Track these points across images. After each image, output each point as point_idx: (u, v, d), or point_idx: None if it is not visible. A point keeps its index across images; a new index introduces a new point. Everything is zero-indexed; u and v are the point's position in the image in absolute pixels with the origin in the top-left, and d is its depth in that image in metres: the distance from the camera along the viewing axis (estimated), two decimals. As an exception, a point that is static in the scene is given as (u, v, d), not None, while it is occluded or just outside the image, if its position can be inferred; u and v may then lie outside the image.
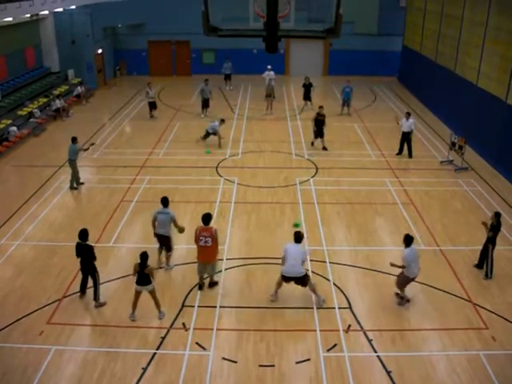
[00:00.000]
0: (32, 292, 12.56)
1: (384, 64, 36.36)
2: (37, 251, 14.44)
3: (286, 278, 11.91)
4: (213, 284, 12.79)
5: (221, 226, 15.64)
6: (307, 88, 28.25)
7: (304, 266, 11.93)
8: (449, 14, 26.91)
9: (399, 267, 11.86)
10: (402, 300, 12.23)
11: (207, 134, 22.61)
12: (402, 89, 34.35)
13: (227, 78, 33.16)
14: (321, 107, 22.85)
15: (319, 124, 22.53)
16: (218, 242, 12.60)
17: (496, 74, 21.01)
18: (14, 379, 9.94)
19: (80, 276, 12.54)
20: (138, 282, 11.38)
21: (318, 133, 22.62)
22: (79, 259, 12.13)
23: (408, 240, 11.89)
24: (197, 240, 12.31)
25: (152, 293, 11.52)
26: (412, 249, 11.87)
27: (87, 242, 12.03)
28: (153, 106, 26.99)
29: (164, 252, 13.64)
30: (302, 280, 11.90)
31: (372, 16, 35.99)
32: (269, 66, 30.13)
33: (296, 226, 13.94)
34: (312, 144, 22.93)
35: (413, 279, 12.09)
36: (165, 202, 13.42)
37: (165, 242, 13.48)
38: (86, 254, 11.96)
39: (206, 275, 12.78)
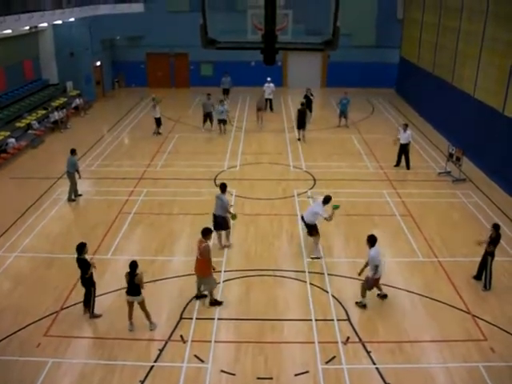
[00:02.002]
0: (29, 304, 12.50)
1: (382, 76, 36.52)
2: (34, 263, 14.40)
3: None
4: (212, 303, 12.48)
5: (219, 238, 15.66)
6: (308, 100, 28.33)
7: (319, 219, 14.22)
8: (446, 25, 27.08)
9: (374, 270, 12.08)
10: (363, 305, 12.46)
11: (220, 121, 25.60)
12: (399, 100, 34.48)
13: (225, 92, 32.99)
14: (303, 104, 25.49)
15: (301, 115, 24.65)
16: (208, 259, 12.20)
17: (493, 86, 21.10)
18: (10, 392, 9.88)
19: (78, 288, 12.50)
20: (128, 292, 11.36)
21: (300, 124, 24.58)
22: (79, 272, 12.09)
23: (373, 240, 12.16)
24: None
25: (141, 304, 11.47)
26: (377, 248, 12.13)
27: (82, 256, 11.93)
28: (159, 122, 26.35)
29: (223, 232, 15.05)
30: (309, 228, 14.36)
31: (369, 28, 36.22)
32: (268, 78, 30.35)
33: (335, 207, 14.22)
34: (299, 139, 25.12)
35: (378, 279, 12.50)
36: (222, 188, 14.98)
37: (220, 223, 14.83)
38: (81, 267, 11.90)
39: (202, 288, 12.69)
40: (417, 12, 32.25)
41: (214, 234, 13.37)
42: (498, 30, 20.73)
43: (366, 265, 12.39)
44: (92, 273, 12.00)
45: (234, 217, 14.86)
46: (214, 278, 12.61)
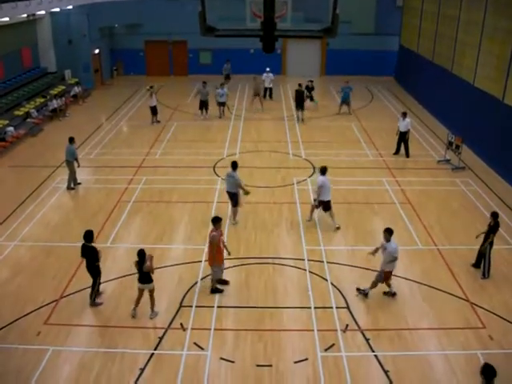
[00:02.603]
0: (29, 293, 12.53)
1: (381, 64, 36.37)
2: (33, 252, 14.41)
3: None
4: (213, 290, 12.52)
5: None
6: (309, 90, 28.40)
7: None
8: (445, 14, 26.95)
9: (392, 262, 11.99)
10: (365, 294, 12.41)
11: (220, 104, 26.42)
12: (398, 88, 34.37)
13: (227, 77, 34.23)
14: (300, 84, 26.49)
15: (299, 97, 25.91)
16: (213, 248, 12.20)
17: (492, 74, 21.04)
18: (10, 380, 9.91)
19: (77, 276, 12.51)
20: (140, 280, 11.44)
21: (298, 104, 26.01)
22: (84, 260, 12.11)
23: (391, 233, 12.02)
24: None
25: (151, 291, 11.55)
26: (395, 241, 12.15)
27: (92, 244, 12.01)
28: (155, 111, 26.22)
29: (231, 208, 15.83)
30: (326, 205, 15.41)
31: (369, 16, 36.06)
32: (267, 69, 30.29)
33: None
34: (298, 119, 26.40)
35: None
36: (233, 165, 15.64)
37: (232, 198, 15.63)
38: (89, 255, 11.95)
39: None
40: (416, 0, 32.07)
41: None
42: (498, 18, 20.63)
43: (377, 250, 12.34)
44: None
45: (247, 193, 15.58)
46: (220, 268, 12.62)
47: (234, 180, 15.40)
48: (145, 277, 11.35)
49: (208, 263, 12.61)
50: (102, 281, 12.50)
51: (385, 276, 12.17)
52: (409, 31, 34.13)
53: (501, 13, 20.41)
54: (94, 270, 12.05)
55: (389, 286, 12.46)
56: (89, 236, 11.94)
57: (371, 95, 32.42)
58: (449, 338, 11.08)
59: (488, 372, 7.77)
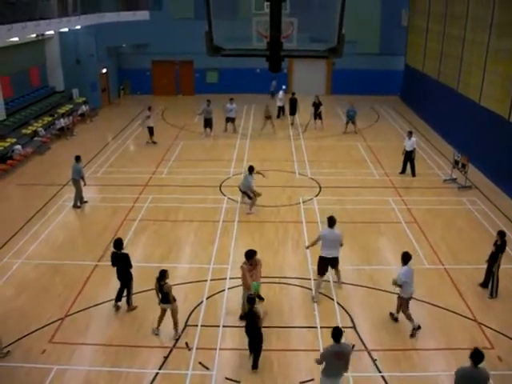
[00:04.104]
0: (34, 311, 12.51)
1: (386, 83, 36.51)
2: (39, 270, 14.41)
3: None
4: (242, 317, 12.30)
5: (224, 245, 15.65)
6: (317, 107, 28.49)
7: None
8: (450, 33, 27.10)
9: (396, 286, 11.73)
10: (413, 329, 11.79)
11: (228, 119, 27.20)
12: (404, 108, 34.46)
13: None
14: (294, 93, 29.53)
15: (292, 104, 28.80)
16: (242, 278, 12.14)
17: (498, 93, 21.08)
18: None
19: (82, 295, 12.49)
20: (162, 301, 11.44)
21: (292, 111, 28.88)
22: (115, 268, 12.38)
23: (406, 258, 11.70)
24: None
25: (173, 311, 11.52)
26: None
27: (123, 251, 12.31)
28: (151, 131, 26.00)
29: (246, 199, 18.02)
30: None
31: (374, 35, 36.30)
32: (283, 86, 32.35)
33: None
34: (291, 124, 29.25)
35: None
36: (250, 170, 17.99)
37: (245, 194, 17.94)
38: (122, 262, 12.24)
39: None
40: (421, 20, 32.29)
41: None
42: (503, 38, 20.72)
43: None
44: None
45: (258, 194, 17.86)
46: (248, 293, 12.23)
47: (247, 182, 17.69)
48: (165, 297, 11.35)
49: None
50: (108, 299, 12.51)
51: (399, 301, 11.98)
52: (414, 51, 34.30)
53: (505, 33, 20.49)
54: (127, 276, 12.35)
55: (397, 311, 12.16)
56: (119, 244, 12.31)
57: (377, 114, 32.50)
58: (456, 359, 10.94)
59: (476, 356, 8.30)
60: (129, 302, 12.51)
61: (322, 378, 9.24)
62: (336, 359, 9.00)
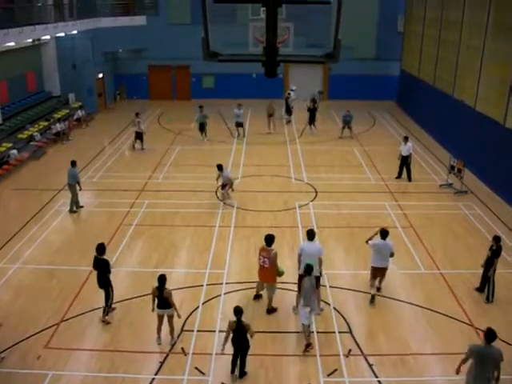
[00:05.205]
0: (30, 316, 12.46)
1: (382, 88, 36.66)
2: (35, 274, 14.37)
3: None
4: (270, 311, 12.65)
5: (220, 250, 15.64)
6: (312, 112, 28.60)
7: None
8: (446, 38, 27.21)
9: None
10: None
11: (238, 124, 27.66)
12: (400, 113, 34.57)
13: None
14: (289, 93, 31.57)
15: (286, 103, 30.75)
16: (277, 266, 12.49)
17: (493, 98, 21.16)
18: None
19: (78, 300, 12.45)
20: (159, 306, 11.35)
21: (287, 109, 30.47)
22: (96, 272, 12.29)
23: (383, 234, 12.88)
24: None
25: (170, 318, 11.46)
26: (385, 242, 12.88)
27: (103, 256, 12.19)
28: (140, 136, 25.93)
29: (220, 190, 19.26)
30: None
31: (370, 41, 36.46)
32: (294, 87, 32.68)
33: None
34: (289, 121, 30.66)
35: (375, 270, 13.03)
36: (219, 167, 19.16)
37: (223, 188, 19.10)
38: (101, 267, 12.13)
39: (261, 292, 13.08)
40: (417, 25, 32.43)
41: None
42: (498, 43, 20.81)
43: None
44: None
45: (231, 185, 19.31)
46: (276, 285, 12.79)
47: (228, 177, 19.01)
48: (164, 302, 11.27)
49: (267, 281, 12.67)
50: (103, 304, 12.46)
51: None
52: (410, 56, 34.44)
53: (501, 37, 20.58)
54: (106, 282, 12.20)
55: (371, 283, 13.25)
56: (101, 249, 12.19)
57: (373, 119, 32.58)
58: (453, 364, 10.88)
59: (489, 335, 9.11)
60: (105, 310, 12.23)
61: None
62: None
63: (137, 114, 26.37)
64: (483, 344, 9.14)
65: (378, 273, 13.12)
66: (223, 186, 19.31)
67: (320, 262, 12.41)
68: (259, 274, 12.76)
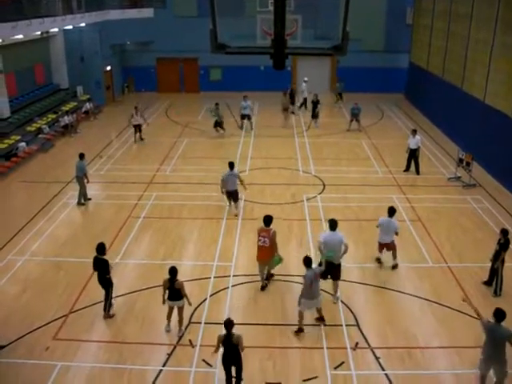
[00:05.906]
0: (38, 308, 12.54)
1: (391, 81, 36.47)
2: (43, 267, 14.45)
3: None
4: (269, 276, 13.49)
5: (228, 243, 15.65)
6: (315, 105, 28.55)
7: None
8: (455, 31, 27.02)
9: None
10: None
11: (243, 116, 27.32)
12: (408, 105, 34.39)
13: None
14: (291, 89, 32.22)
15: (291, 96, 30.88)
16: (276, 244, 13.03)
17: (503, 91, 21.00)
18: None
19: (86, 291, 12.51)
20: (170, 298, 11.39)
21: (291, 102, 30.69)
22: (96, 273, 12.25)
23: (390, 211, 14.10)
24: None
25: (180, 309, 11.52)
26: (390, 219, 14.00)
27: (103, 256, 12.14)
28: (138, 129, 25.90)
29: (233, 203, 17.63)
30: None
31: (378, 33, 36.24)
32: (305, 78, 32.35)
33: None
34: (293, 112, 30.77)
35: (380, 245, 14.27)
36: (231, 165, 17.54)
37: (234, 195, 17.46)
38: (101, 267, 12.08)
39: (267, 269, 13.38)
40: (426, 18, 32.20)
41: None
42: (507, 37, 20.64)
43: None
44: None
45: (245, 186, 17.81)
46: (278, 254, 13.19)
47: (236, 175, 17.44)
48: (175, 294, 11.31)
49: (267, 260, 13.11)
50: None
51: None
52: (419, 48, 34.22)
53: (510, 31, 20.42)
54: (106, 282, 12.16)
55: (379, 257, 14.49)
56: (101, 248, 12.13)
57: (381, 112, 32.44)
58: (460, 357, 10.95)
59: (498, 314, 9.59)
60: (105, 308, 12.22)
61: None
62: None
63: (136, 108, 26.28)
64: (494, 322, 9.57)
65: (383, 247, 14.35)
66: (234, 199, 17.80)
67: (346, 248, 12.43)
68: (259, 255, 13.04)
